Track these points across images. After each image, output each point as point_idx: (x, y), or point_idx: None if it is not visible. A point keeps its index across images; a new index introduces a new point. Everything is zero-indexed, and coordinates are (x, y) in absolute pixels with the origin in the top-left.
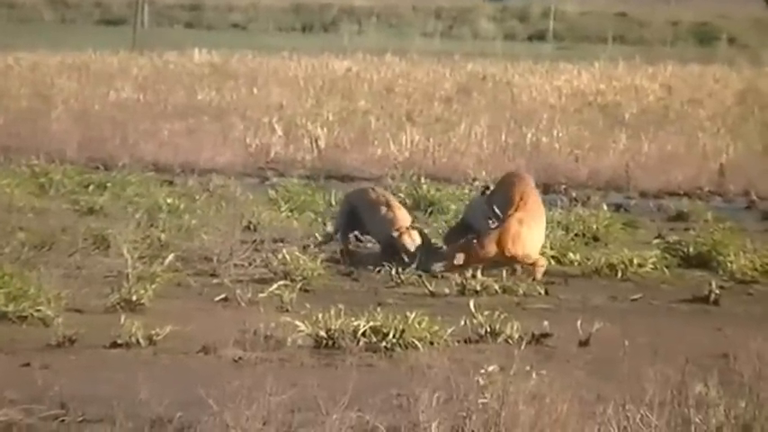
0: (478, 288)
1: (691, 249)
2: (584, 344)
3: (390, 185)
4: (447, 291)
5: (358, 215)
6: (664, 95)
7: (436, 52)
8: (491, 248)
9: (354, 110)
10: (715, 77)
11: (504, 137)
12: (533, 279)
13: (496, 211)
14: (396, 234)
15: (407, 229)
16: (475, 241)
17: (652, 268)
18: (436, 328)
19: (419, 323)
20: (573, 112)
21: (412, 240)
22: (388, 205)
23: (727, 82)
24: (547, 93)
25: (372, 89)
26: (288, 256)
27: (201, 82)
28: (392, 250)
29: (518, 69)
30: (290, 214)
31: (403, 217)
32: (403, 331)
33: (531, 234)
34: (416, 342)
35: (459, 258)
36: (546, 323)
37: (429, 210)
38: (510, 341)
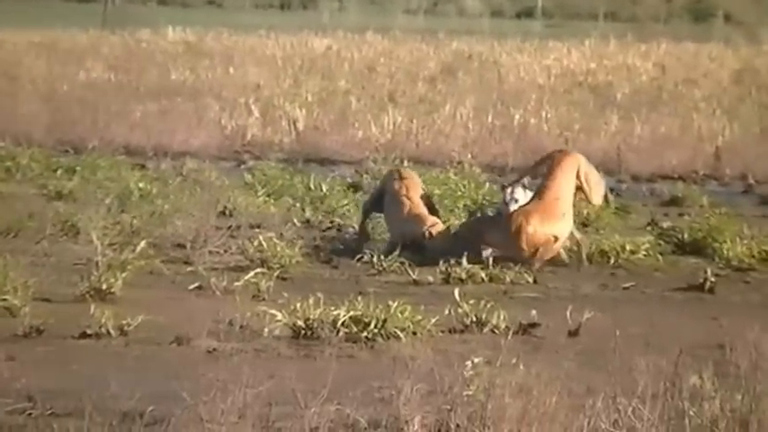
0: (464, 276)
1: (685, 235)
2: (573, 334)
3: (372, 169)
4: (431, 279)
5: (383, 197)
6: (657, 75)
7: (420, 30)
8: (497, 239)
9: (334, 90)
10: (710, 56)
11: (490, 118)
12: (529, 267)
13: (508, 199)
14: (427, 233)
15: (434, 225)
16: (484, 230)
17: (645, 255)
18: (419, 317)
19: (402, 312)
20: (562, 92)
21: (441, 238)
22: (414, 198)
23: (723, 61)
24: (535, 72)
25: (353, 69)
26: (265, 243)
27: (175, 61)
28: (418, 247)
29: (505, 48)
30: (267, 199)
31: (427, 212)
32: (385, 321)
33: (538, 231)
34: (399, 332)
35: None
36: (534, 312)
37: None
38: (496, 331)
